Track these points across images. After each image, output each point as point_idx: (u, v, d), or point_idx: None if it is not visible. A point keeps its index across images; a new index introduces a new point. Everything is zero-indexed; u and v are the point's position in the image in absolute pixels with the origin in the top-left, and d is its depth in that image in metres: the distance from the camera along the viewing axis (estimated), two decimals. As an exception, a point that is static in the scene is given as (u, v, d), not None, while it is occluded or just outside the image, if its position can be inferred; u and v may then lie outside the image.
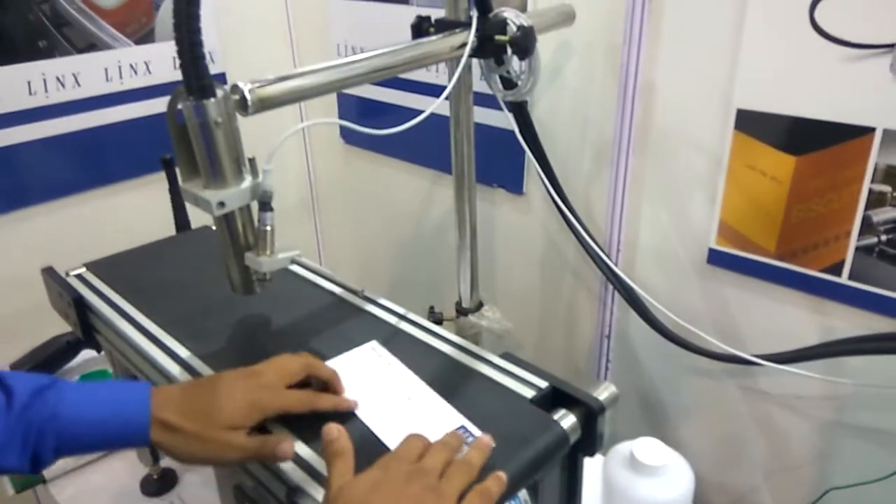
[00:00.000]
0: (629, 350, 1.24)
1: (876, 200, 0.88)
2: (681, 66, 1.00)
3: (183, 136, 0.62)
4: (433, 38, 0.87)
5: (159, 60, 1.36)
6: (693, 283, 1.10)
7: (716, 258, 1.06)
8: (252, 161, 0.64)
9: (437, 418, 0.56)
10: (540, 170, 1.06)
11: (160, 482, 0.97)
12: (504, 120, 1.09)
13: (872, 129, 0.85)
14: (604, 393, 0.59)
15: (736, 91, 0.95)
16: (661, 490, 0.63)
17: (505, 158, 1.26)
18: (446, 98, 0.86)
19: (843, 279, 0.93)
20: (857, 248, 0.91)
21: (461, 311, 1.10)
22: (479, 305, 1.10)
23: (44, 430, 0.54)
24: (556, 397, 0.59)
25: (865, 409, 0.98)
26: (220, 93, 0.59)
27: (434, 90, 1.32)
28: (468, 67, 0.93)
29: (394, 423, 0.56)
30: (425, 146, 1.38)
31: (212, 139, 0.60)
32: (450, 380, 0.61)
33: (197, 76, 0.57)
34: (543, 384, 0.60)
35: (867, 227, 0.89)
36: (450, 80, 0.95)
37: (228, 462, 0.57)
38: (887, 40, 0.81)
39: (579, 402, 0.58)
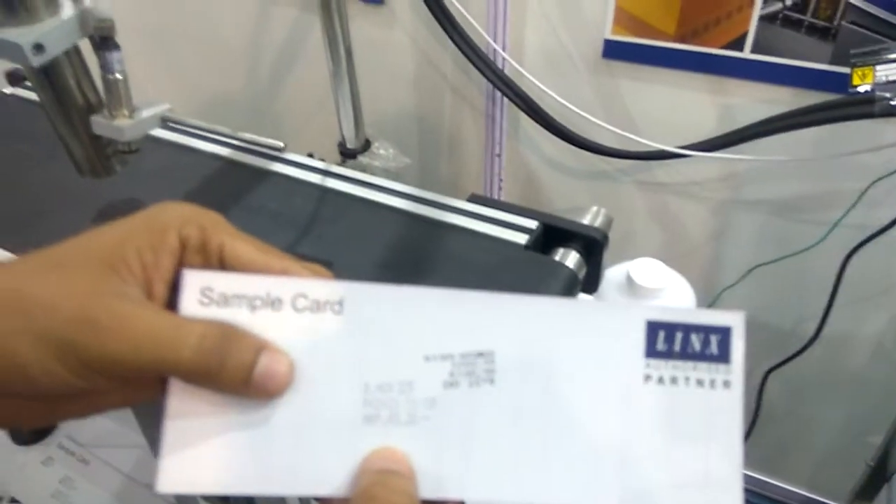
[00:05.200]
0: (521, 167, 1.17)
1: (782, -39, 0.82)
2: None
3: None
4: None
5: None
6: (587, 81, 1.03)
7: (612, 50, 0.98)
8: (67, -25, 0.42)
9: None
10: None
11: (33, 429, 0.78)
12: None
13: None
14: (598, 219, 0.51)
15: None
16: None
17: (355, -39, 1.05)
18: None
19: (746, 53, 0.90)
20: (761, 18, 0.86)
21: (347, 154, 0.95)
22: (367, 144, 0.95)
23: None
24: (548, 236, 0.50)
25: (760, 182, 1.00)
26: None
27: None
28: None
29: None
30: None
31: (-6, -60, 0.37)
32: (423, 241, 0.49)
33: None
34: (532, 224, 0.49)
35: (772, -8, 0.84)
36: None
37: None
38: None
39: (577, 236, 0.49)
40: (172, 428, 0.24)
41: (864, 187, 0.89)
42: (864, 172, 0.89)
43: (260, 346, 0.24)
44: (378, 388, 0.25)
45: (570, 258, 0.48)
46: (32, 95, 0.69)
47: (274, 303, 0.25)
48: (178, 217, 0.25)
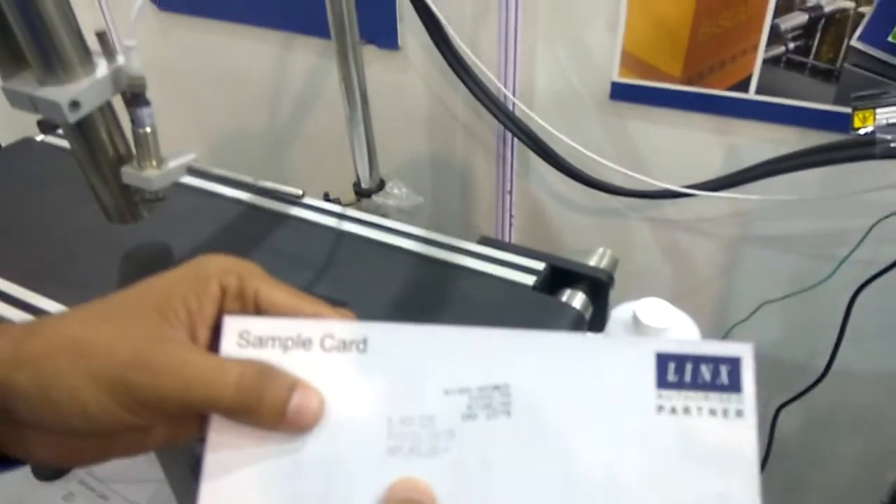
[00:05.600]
0: (532, 205, 1.20)
1: (783, 7, 0.85)
2: None
3: (-13, 9, 0.41)
4: None
5: None
6: (596, 121, 1.05)
7: (619, 92, 1.00)
8: (102, 37, 0.45)
9: None
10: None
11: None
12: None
13: (781, -71, 0.80)
14: (603, 260, 0.52)
15: None
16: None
17: (371, 7, 1.09)
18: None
19: (751, 94, 0.92)
20: (765, 61, 0.89)
21: (362, 193, 0.97)
22: (382, 184, 0.98)
23: None
24: (555, 277, 0.52)
25: (768, 220, 1.02)
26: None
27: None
28: None
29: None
30: (266, 1, 1.16)
31: (38, 6, 0.40)
32: (435, 283, 0.51)
33: None
34: (540, 266, 0.51)
35: (775, 36, 0.87)
36: None
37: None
38: None
39: (583, 277, 0.51)
40: (212, 460, 0.26)
41: (870, 225, 0.90)
42: (870, 211, 0.90)
43: (293, 384, 0.26)
44: (401, 422, 0.27)
45: (577, 299, 0.49)
46: (63, 142, 0.73)
47: (304, 343, 0.27)
48: (219, 268, 0.28)
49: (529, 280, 0.50)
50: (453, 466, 0.26)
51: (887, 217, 0.88)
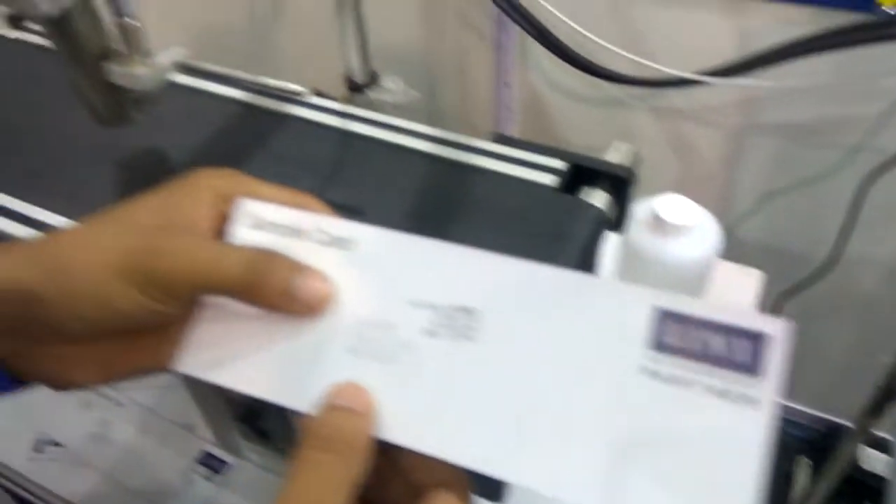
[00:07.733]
0: (531, 96, 1.15)
1: None
2: None
3: None
4: None
5: None
6: (601, 3, 0.99)
7: (626, -29, 0.94)
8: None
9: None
10: None
11: None
12: None
13: None
14: (626, 157, 0.50)
15: None
16: (690, 249, 0.57)
17: None
18: None
19: (767, -28, 0.86)
20: (785, -67, 0.83)
21: (355, 89, 0.93)
22: (374, 77, 0.93)
23: None
24: (574, 175, 0.49)
25: (777, 107, 0.99)
26: None
27: None
28: None
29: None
30: None
31: None
32: (445, 185, 0.48)
33: None
34: (560, 165, 0.49)
35: None
36: None
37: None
38: None
39: (603, 175, 0.49)
40: (201, 328, 0.28)
41: (884, 111, 0.88)
42: (884, 95, 0.87)
43: (297, 267, 0.27)
44: (364, 323, 0.27)
45: (599, 198, 0.48)
46: (39, 39, 0.67)
47: (301, 234, 0.29)
48: (209, 176, 0.30)
49: (546, 179, 0.48)
50: (403, 379, 0.25)
51: (902, 102, 0.86)
